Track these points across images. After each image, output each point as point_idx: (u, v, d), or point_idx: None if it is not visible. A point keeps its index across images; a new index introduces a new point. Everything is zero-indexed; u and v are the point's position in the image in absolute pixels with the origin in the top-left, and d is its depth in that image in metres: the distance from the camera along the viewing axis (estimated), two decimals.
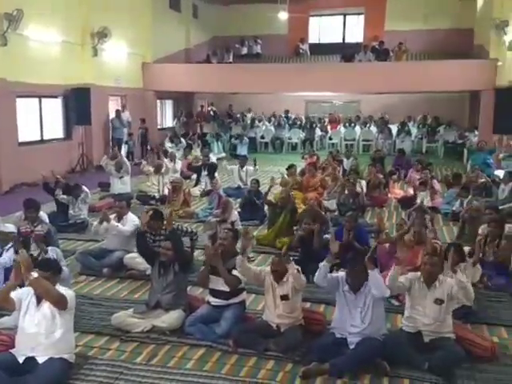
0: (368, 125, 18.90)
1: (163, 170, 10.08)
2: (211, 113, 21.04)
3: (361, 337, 4.15)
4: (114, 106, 15.65)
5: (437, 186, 9.78)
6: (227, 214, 6.98)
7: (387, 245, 6.06)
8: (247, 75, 16.62)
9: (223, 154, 16.73)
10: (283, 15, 16.76)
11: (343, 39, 23.44)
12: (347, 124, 19.13)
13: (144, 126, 16.08)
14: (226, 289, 4.63)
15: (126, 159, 10.57)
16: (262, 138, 18.94)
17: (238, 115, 20.58)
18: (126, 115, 15.75)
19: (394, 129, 18.18)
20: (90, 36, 13.88)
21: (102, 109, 14.60)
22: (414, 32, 20.16)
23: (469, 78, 14.58)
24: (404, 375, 4.02)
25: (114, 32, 14.32)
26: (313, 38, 23.38)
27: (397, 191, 10.77)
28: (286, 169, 10.67)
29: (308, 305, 5.33)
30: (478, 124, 15.44)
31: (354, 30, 23.02)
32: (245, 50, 22.08)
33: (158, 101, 18.52)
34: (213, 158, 12.92)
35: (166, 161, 10.91)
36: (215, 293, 4.73)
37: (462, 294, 4.27)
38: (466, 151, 13.52)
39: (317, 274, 4.32)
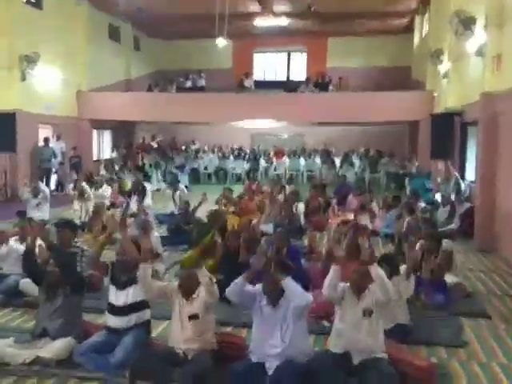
0: (312, 156, 18.82)
1: (86, 196, 9.30)
2: (154, 145, 20.41)
3: (281, 359, 3.55)
4: (46, 134, 14.76)
5: (376, 208, 9.49)
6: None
7: (319, 264, 5.58)
8: (190, 105, 16.24)
9: (162, 185, 16.01)
10: (221, 41, 16.58)
11: (287, 77, 23.64)
12: (292, 155, 18.97)
13: (76, 155, 15.22)
14: (128, 300, 3.94)
15: (45, 187, 9.75)
16: (206, 168, 18.42)
17: (183, 147, 20.06)
18: (59, 144, 14.90)
19: (338, 161, 18.18)
20: (19, 60, 13.11)
21: (30, 136, 13.70)
22: (354, 69, 20.77)
23: (407, 108, 14.79)
24: None
25: (46, 57, 13.63)
26: (258, 75, 23.44)
27: (336, 218, 10.40)
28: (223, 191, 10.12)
29: (229, 329, 4.70)
30: (417, 152, 15.59)
31: (298, 67, 23.33)
32: (189, 84, 21.72)
33: (95, 131, 17.72)
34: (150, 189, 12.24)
35: (88, 188, 10.09)
36: (113, 310, 4.01)
37: (379, 290, 3.77)
38: (406, 179, 13.45)
39: (231, 286, 3.73)
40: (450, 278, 5.63)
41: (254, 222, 8.55)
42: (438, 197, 9.97)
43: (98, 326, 4.33)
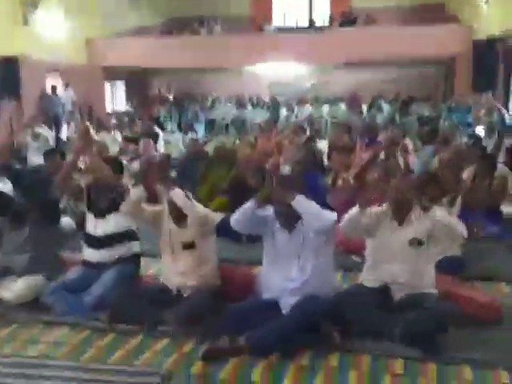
0: (337, 103, 17.62)
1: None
2: (170, 96, 19.49)
3: (299, 295, 2.73)
4: (56, 83, 13.98)
5: (410, 145, 8.44)
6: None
7: (345, 193, 4.72)
8: (206, 49, 15.23)
9: (177, 135, 15.18)
10: None
11: (310, 20, 22.12)
12: (315, 102, 17.81)
13: (87, 104, 14.44)
14: (108, 230, 3.17)
15: (47, 130, 9.05)
16: (223, 119, 17.43)
17: (199, 98, 19.09)
18: (68, 93, 14.11)
19: (365, 109, 16.98)
20: (20, 3, 12.23)
21: (36, 84, 12.92)
22: (382, 8, 19.05)
23: (443, 42, 13.37)
24: (363, 349, 2.61)
25: (51, 2, 12.71)
26: (278, 21, 22.02)
27: (364, 155, 9.38)
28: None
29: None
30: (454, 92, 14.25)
31: (321, 9, 21.78)
32: (204, 32, 20.56)
33: (108, 83, 16.87)
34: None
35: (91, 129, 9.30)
36: (91, 241, 3.23)
37: (445, 233, 2.86)
38: (443, 115, 12.20)
39: (236, 214, 2.87)
40: (505, 208, 4.68)
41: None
42: (479, 131, 8.85)
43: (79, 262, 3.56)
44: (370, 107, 16.44)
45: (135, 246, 3.26)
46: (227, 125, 17.43)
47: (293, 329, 2.57)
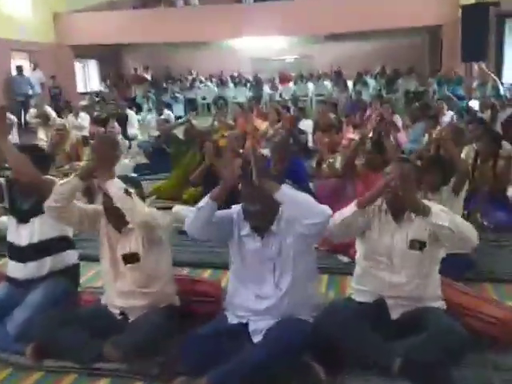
0: (322, 79, 16.94)
1: (51, 122, 7.78)
2: (147, 76, 18.62)
3: (274, 318, 2.16)
4: (23, 64, 13.11)
5: (399, 121, 7.89)
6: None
7: (331, 181, 4.14)
8: (182, 22, 14.38)
9: (154, 116, 14.43)
10: None
11: None
12: (299, 80, 17.10)
13: (56, 85, 13.60)
14: (34, 238, 2.54)
15: (9, 114, 8.26)
16: (204, 99, 16.68)
17: (183, 78, 18.22)
18: (36, 74, 13.26)
19: (351, 85, 16.32)
20: None
21: (1, 65, 12.08)
22: None
23: (428, 8, 12.64)
24: None
25: None
26: None
27: (352, 135, 8.79)
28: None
29: (206, 273, 3.33)
30: (439, 68, 13.62)
31: None
32: (181, 3, 19.60)
33: (79, 62, 15.99)
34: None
35: (52, 113, 8.58)
36: (15, 253, 2.60)
37: (451, 241, 2.25)
38: (431, 88, 11.60)
39: (189, 216, 2.25)
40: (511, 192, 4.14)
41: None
42: (473, 104, 8.30)
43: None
44: (355, 83, 15.82)
45: (70, 256, 2.65)
46: (208, 104, 16.74)
47: (265, 363, 2.00)
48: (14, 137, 8.27)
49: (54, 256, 2.55)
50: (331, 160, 4.22)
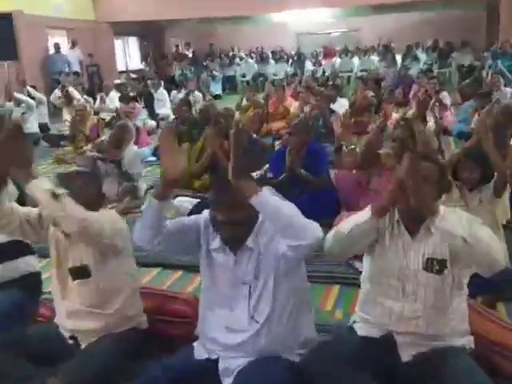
0: (368, 54, 16.00)
1: (76, 102, 7.54)
2: (189, 53, 18.28)
3: (248, 355, 1.72)
4: (61, 42, 13.04)
5: (447, 99, 7.14)
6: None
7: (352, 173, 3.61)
8: None
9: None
10: None
11: None
12: (343, 54, 16.23)
13: (94, 64, 13.45)
14: None
15: (34, 93, 8.16)
16: (243, 76, 16.13)
17: (223, 55, 17.72)
18: (74, 52, 13.15)
19: (400, 59, 15.31)
20: None
21: (36, 42, 11.99)
22: None
23: None
24: None
25: None
26: None
27: (394, 114, 8.08)
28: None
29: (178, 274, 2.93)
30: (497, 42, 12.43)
31: None
32: None
33: (119, 39, 15.79)
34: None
35: (77, 93, 8.33)
36: None
37: (475, 259, 1.73)
38: (487, 64, 10.54)
39: (136, 224, 1.79)
40: None
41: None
42: None
43: None
44: (404, 57, 14.82)
45: (28, 263, 2.29)
46: (248, 82, 16.20)
47: None
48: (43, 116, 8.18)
49: (6, 263, 2.20)
50: (352, 146, 3.64)
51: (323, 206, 3.48)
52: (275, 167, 3.81)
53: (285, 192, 3.59)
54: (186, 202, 3.62)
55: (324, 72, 15.93)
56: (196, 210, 3.42)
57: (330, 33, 19.09)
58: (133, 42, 16.91)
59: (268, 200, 1.58)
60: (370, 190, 3.27)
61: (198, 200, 3.67)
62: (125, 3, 14.10)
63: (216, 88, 14.07)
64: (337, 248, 1.81)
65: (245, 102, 7.87)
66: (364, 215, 1.76)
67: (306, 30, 18.82)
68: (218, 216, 1.72)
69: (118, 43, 15.75)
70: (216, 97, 13.98)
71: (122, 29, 15.28)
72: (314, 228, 1.59)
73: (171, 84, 13.70)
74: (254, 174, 4.24)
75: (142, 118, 6.78)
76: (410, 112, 5.63)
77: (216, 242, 1.80)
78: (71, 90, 8.15)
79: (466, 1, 13.60)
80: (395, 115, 7.76)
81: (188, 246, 1.82)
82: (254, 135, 4.65)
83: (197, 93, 9.32)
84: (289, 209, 1.61)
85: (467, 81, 7.98)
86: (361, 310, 1.93)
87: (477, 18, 15.86)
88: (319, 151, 3.78)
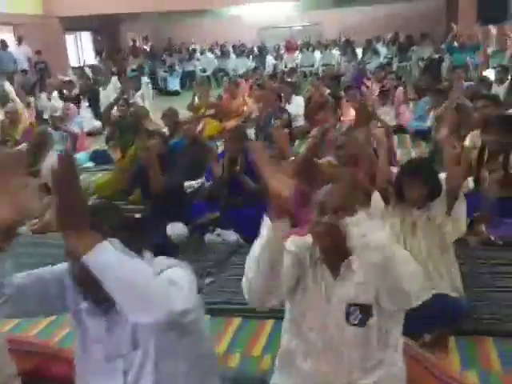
0: (330, 48, 15.80)
1: (11, 101, 6.99)
2: (146, 48, 17.72)
3: None
4: (7, 39, 12.33)
5: (401, 95, 6.94)
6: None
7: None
8: None
9: (150, 91, 13.57)
10: None
11: None
12: (305, 48, 15.99)
13: (42, 61, 12.79)
14: None
15: None
16: (203, 71, 15.68)
17: (183, 49, 17.19)
18: (22, 49, 12.48)
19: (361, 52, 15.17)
20: None
21: None
22: None
23: None
24: None
25: None
26: None
27: (352, 112, 7.84)
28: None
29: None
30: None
31: None
32: None
33: (72, 35, 15.13)
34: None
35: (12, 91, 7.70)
36: None
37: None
38: (445, 58, 10.42)
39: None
40: None
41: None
42: (488, 73, 7.24)
43: None
44: (364, 51, 14.68)
45: None
46: (208, 77, 15.77)
47: None
48: None
49: None
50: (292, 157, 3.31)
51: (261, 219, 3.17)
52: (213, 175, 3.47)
53: (223, 203, 3.28)
54: None
55: (285, 66, 15.67)
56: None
57: (291, 26, 18.81)
58: (86, 37, 16.22)
59: (108, 260, 1.09)
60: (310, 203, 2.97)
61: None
62: None
63: (174, 84, 13.62)
64: (253, 290, 1.45)
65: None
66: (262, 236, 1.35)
67: (267, 24, 18.49)
68: (70, 268, 1.36)
69: (69, 38, 15.07)
70: (174, 93, 13.54)
71: (74, 23, 14.61)
72: (171, 298, 1.17)
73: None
74: (195, 183, 3.90)
75: (79, 121, 6.26)
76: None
77: (83, 302, 1.41)
78: (6, 87, 7.57)
79: None
80: (354, 113, 7.55)
81: (49, 304, 1.44)
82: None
83: (146, 90, 8.81)
84: (141, 273, 1.16)
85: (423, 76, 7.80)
86: (278, 373, 1.60)
87: (436, 8, 15.85)
88: None
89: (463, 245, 2.76)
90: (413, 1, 15.21)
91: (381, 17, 16.90)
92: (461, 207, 2.24)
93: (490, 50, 7.86)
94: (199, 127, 4.65)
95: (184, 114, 7.57)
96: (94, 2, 13.48)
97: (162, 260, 1.40)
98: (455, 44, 9.01)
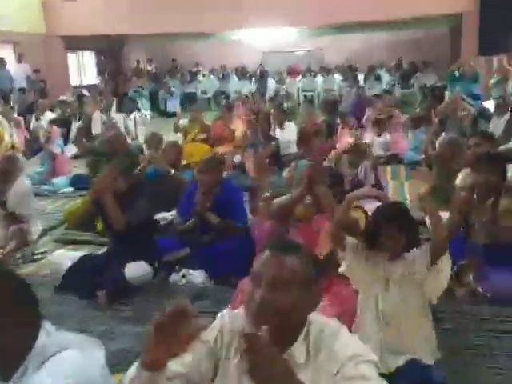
0: (332, 73, 15.73)
1: None
2: (151, 69, 17.72)
3: None
4: (7, 56, 12.31)
5: (400, 121, 6.77)
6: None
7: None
8: (187, 10, 13.36)
9: (149, 112, 13.51)
10: None
11: None
12: (307, 73, 15.93)
13: (41, 79, 12.73)
14: None
15: None
16: (204, 93, 15.61)
17: (184, 71, 17.14)
18: (22, 68, 12.44)
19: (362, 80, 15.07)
20: None
21: None
22: None
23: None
24: None
25: None
26: None
27: (348, 139, 7.64)
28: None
29: None
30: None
31: None
32: None
33: (74, 54, 15.12)
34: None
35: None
36: None
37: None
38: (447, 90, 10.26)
39: None
40: None
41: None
42: (488, 105, 7.04)
43: None
44: (366, 77, 14.57)
45: None
46: (209, 99, 15.69)
47: None
48: None
49: None
50: (266, 194, 3.06)
51: (237, 259, 2.94)
52: (186, 208, 3.24)
53: (194, 240, 3.06)
54: (63, 257, 3.02)
55: (287, 91, 15.57)
56: (76, 267, 2.83)
57: (295, 52, 18.81)
58: (88, 57, 16.22)
59: None
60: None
61: (82, 254, 3.06)
62: (79, 17, 13.47)
63: (173, 105, 13.50)
64: None
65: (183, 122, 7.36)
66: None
67: (271, 48, 18.48)
68: None
69: (71, 57, 15.06)
70: (171, 114, 13.43)
71: (77, 43, 14.61)
72: None
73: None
74: (169, 215, 3.68)
75: (60, 143, 6.05)
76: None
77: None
78: None
79: (429, 20, 13.41)
80: (349, 139, 7.35)
81: None
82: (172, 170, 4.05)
83: (142, 112, 8.67)
84: None
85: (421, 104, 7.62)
86: None
87: (440, 37, 15.78)
88: (233, 192, 3.21)
89: (448, 297, 2.51)
90: (416, 28, 15.13)
91: (384, 43, 16.89)
92: (445, 260, 2.00)
93: (492, 81, 7.66)
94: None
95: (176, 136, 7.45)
96: (97, 22, 13.51)
97: (61, 340, 1.17)
98: (456, 74, 8.83)
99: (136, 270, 2.79)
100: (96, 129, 7.57)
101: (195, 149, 6.88)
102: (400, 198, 4.46)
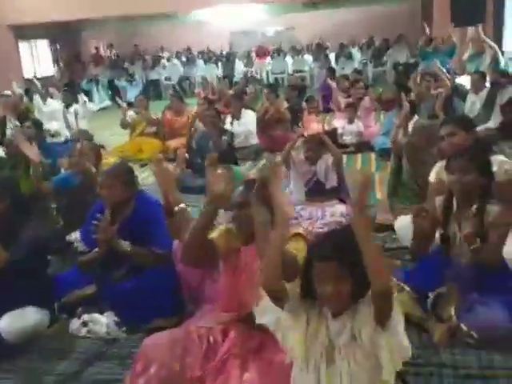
0: (302, 53, 15.05)
1: None
2: (111, 55, 16.79)
3: None
4: None
5: (368, 104, 6.16)
6: None
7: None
8: None
9: (108, 103, 12.69)
10: None
11: None
12: (276, 54, 15.21)
13: None
14: None
15: None
16: (168, 79, 14.74)
17: (147, 56, 16.20)
18: None
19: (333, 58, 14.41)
20: None
21: None
22: None
23: None
24: None
25: None
26: None
27: (314, 126, 6.97)
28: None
29: None
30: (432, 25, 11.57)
31: None
32: None
33: (25, 43, 14.11)
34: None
35: None
36: None
37: None
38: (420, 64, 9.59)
39: None
40: None
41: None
42: (462, 80, 6.42)
43: None
44: (337, 56, 13.93)
45: None
46: (174, 86, 14.84)
47: None
48: None
49: None
50: (182, 205, 2.32)
51: (158, 297, 2.30)
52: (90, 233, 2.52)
53: (101, 276, 2.39)
54: None
55: (256, 73, 14.84)
56: None
57: (264, 31, 18.05)
58: (42, 46, 15.18)
59: None
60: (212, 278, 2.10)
61: None
62: (28, 3, 12.44)
63: (133, 94, 12.65)
64: None
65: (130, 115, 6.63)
66: None
67: (239, 29, 17.64)
68: None
69: (23, 47, 14.04)
70: (131, 104, 12.56)
71: (29, 31, 13.59)
72: None
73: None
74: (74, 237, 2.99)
75: None
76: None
77: None
78: None
79: None
80: (317, 126, 6.66)
81: None
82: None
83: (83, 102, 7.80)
84: None
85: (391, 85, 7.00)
86: None
87: (411, 10, 15.17)
88: (150, 209, 2.50)
89: (425, 339, 1.90)
90: (387, 3, 14.50)
91: (355, 21, 16.23)
92: (398, 318, 1.37)
93: (466, 55, 7.04)
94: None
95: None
96: (49, 7, 12.49)
97: None
98: (429, 48, 8.18)
99: (15, 321, 2.10)
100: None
101: (144, 144, 6.20)
102: (368, 195, 3.84)
